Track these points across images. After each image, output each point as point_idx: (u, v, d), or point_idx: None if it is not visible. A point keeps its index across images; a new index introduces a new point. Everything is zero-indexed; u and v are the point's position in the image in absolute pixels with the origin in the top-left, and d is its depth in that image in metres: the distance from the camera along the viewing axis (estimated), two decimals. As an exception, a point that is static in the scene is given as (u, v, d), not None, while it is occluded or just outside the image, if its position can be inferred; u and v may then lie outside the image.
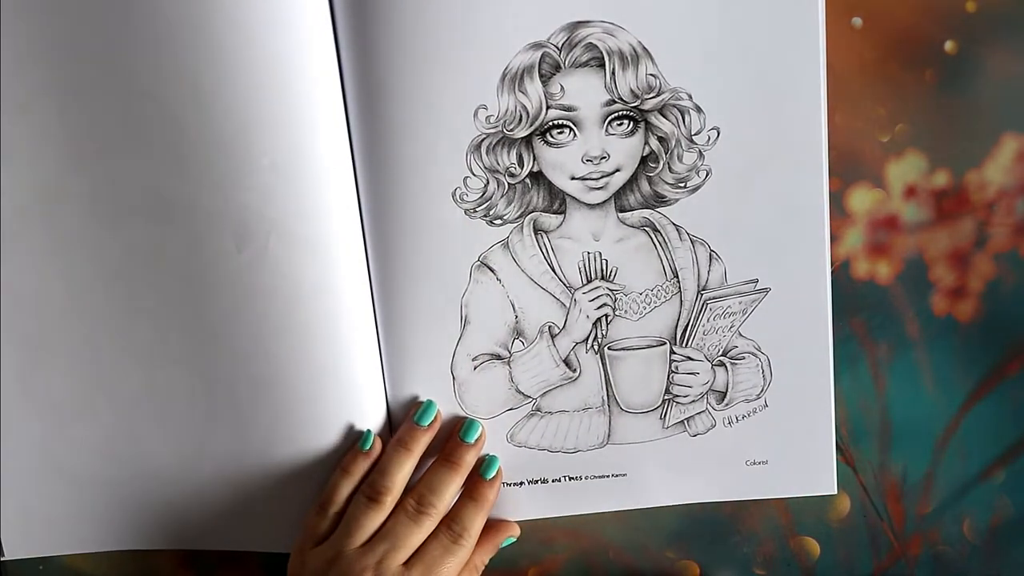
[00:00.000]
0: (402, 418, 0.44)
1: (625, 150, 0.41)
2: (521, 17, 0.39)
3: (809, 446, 0.44)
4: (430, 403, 0.44)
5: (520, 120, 0.41)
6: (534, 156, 0.41)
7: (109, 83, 0.38)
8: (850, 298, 0.44)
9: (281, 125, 0.39)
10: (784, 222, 0.42)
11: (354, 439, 0.43)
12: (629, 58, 0.40)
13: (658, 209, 0.42)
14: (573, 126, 0.41)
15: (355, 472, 0.42)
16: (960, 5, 0.41)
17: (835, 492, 0.45)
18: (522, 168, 0.41)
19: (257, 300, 0.41)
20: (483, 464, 0.44)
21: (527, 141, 0.41)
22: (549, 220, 0.42)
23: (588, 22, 0.40)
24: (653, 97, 0.40)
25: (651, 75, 0.40)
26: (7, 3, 0.38)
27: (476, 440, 0.43)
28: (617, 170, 0.41)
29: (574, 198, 0.42)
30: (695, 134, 0.41)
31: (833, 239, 0.43)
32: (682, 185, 0.42)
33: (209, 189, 0.39)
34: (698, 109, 0.41)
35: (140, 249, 0.41)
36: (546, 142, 0.41)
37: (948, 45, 0.41)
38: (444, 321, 0.43)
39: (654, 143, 0.41)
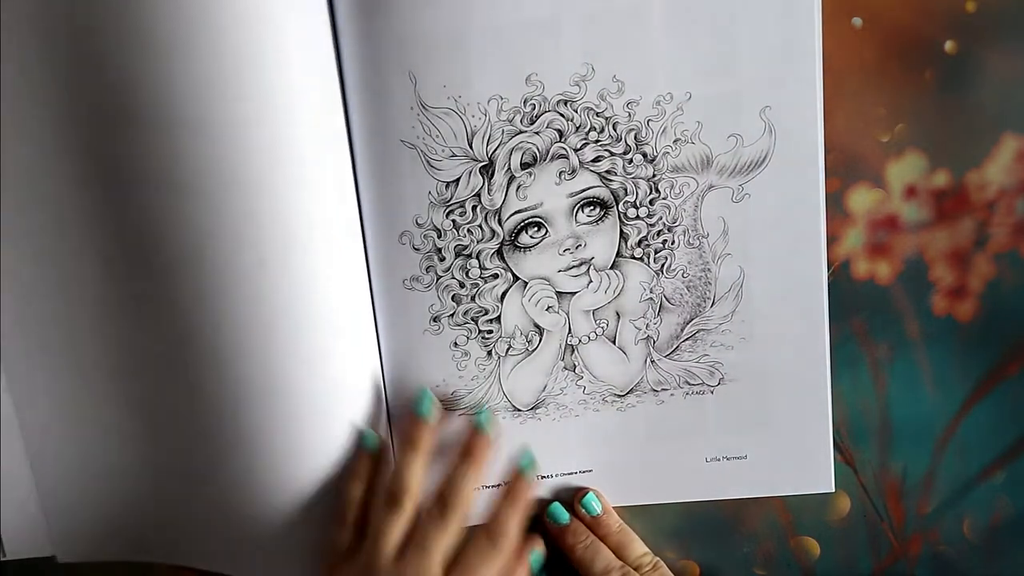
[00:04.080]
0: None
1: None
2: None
3: (807, 443, 0.44)
4: (424, 392, 0.43)
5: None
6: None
7: (109, 87, 0.38)
8: (850, 298, 0.44)
9: (281, 125, 0.39)
10: (781, 222, 0.42)
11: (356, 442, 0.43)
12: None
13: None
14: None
15: (361, 471, 0.41)
16: (960, 5, 0.41)
17: (833, 490, 0.45)
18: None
19: (255, 301, 0.41)
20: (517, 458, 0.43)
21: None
22: None
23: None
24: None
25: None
26: (7, 3, 0.38)
27: (487, 430, 0.42)
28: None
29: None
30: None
31: (833, 239, 0.43)
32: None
33: (208, 192, 0.39)
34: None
35: (139, 260, 0.41)
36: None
37: (948, 45, 0.41)
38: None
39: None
